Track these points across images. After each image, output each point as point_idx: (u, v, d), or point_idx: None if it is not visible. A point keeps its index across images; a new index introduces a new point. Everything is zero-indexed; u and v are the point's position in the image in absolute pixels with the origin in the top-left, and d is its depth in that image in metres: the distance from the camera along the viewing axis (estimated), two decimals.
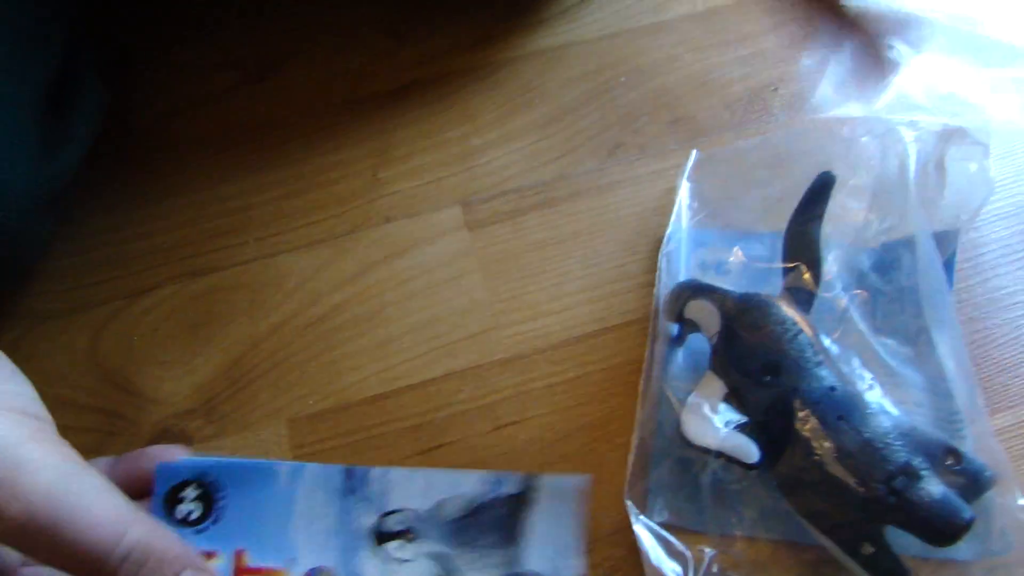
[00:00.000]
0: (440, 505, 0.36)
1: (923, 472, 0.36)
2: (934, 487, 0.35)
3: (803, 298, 0.41)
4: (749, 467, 0.38)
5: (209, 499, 0.35)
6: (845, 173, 0.44)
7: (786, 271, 0.42)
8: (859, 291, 0.43)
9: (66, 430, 0.32)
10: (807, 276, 0.41)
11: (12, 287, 0.47)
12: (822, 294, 0.42)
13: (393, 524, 0.36)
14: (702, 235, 0.46)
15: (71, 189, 0.45)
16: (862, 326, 0.42)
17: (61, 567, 0.29)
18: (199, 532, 0.35)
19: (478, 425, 0.42)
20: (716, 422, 0.38)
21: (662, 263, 0.45)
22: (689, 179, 0.47)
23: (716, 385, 0.40)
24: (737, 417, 0.38)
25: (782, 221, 0.44)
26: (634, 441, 0.39)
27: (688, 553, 0.37)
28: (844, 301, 0.42)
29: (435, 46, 0.55)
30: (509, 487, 0.36)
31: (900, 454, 0.36)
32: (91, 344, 0.46)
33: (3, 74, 0.40)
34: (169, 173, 0.51)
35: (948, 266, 0.44)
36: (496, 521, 0.36)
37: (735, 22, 0.55)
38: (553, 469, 0.40)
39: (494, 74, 0.54)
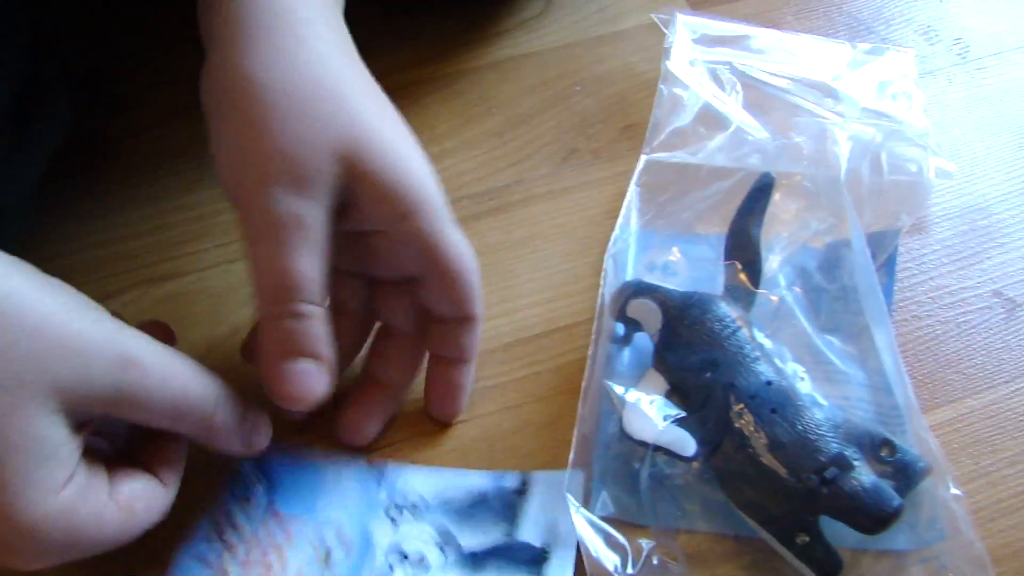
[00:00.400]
0: (446, 492, 0.40)
1: (855, 462, 0.36)
2: (865, 477, 0.36)
3: (743, 296, 0.42)
4: (686, 460, 0.38)
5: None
6: (784, 174, 0.45)
7: (726, 269, 0.43)
8: (798, 288, 0.44)
9: None
10: (742, 275, 0.42)
11: None
12: (762, 292, 0.43)
13: (402, 500, 0.40)
14: (650, 237, 0.47)
15: (36, 199, 0.46)
16: (805, 323, 0.43)
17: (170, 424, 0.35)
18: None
19: (426, 424, 0.42)
20: (655, 417, 0.39)
21: (608, 264, 0.46)
22: (638, 183, 0.48)
23: (658, 381, 0.41)
24: (676, 412, 0.39)
25: (728, 223, 0.45)
26: (575, 437, 0.40)
27: (627, 544, 0.37)
28: (777, 298, 0.43)
29: (397, 58, 0.56)
30: (509, 483, 0.40)
31: (832, 445, 0.37)
32: None
33: None
34: (134, 185, 0.52)
35: (890, 265, 0.45)
36: (496, 506, 0.39)
37: None
38: (501, 466, 0.41)
39: (453, 84, 0.56)
